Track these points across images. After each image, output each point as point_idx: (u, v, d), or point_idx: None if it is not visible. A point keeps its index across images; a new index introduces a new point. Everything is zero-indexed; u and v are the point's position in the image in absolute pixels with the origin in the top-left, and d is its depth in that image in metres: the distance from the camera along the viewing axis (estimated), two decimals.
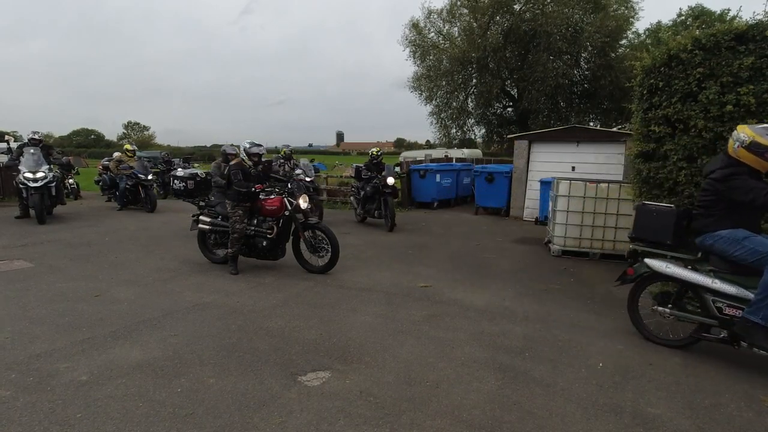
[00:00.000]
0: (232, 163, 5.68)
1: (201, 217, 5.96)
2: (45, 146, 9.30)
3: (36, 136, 9.18)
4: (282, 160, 9.92)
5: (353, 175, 10.54)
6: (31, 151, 8.73)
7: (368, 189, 9.42)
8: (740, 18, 16.69)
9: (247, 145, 5.64)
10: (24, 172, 8.57)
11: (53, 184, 8.80)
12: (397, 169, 13.26)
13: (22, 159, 8.74)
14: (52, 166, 9.12)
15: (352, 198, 10.45)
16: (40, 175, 8.54)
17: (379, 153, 9.99)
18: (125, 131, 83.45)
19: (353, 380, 3.00)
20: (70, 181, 14.06)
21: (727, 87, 4.25)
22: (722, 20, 21.25)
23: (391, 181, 9.22)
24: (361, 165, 10.06)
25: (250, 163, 5.67)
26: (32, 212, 8.89)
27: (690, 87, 4.46)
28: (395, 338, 3.73)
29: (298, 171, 9.74)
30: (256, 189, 5.49)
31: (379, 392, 2.85)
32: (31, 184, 8.47)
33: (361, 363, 3.26)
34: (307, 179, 9.41)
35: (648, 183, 5.12)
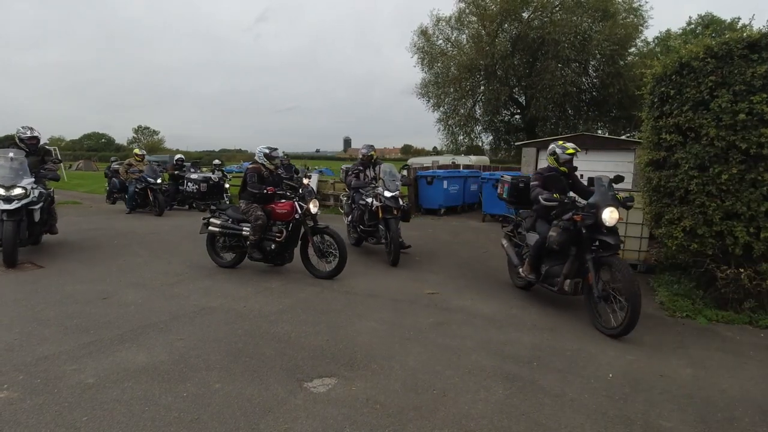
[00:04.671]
0: (250, 167, 5.97)
1: (211, 220, 6.00)
2: (38, 149, 6.67)
3: (27, 134, 6.46)
4: (359, 167, 7.55)
5: (545, 200, 4.72)
6: (10, 155, 5.87)
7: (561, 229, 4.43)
8: (751, 26, 16.58)
9: (267, 150, 5.95)
10: None
11: (38, 206, 5.92)
12: (404, 172, 13.23)
13: None
14: (45, 179, 6.37)
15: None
16: (16, 192, 5.65)
17: (574, 152, 4.91)
18: (135, 135, 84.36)
19: (359, 387, 2.98)
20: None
21: (739, 95, 4.21)
22: (732, 29, 21.13)
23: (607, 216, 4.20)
24: (537, 179, 4.97)
25: (270, 167, 5.97)
26: None
27: (702, 95, 4.43)
28: (402, 345, 3.70)
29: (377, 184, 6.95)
30: (268, 191, 5.63)
31: (385, 400, 2.83)
32: (2, 207, 5.50)
33: (368, 370, 3.24)
34: (387, 194, 6.50)
35: (658, 191, 5.07)
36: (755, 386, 3.22)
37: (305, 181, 10.95)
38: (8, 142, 6.41)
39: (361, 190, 7.23)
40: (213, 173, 13.18)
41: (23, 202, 5.69)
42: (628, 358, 3.62)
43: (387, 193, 6.52)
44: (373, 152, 7.72)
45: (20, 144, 6.38)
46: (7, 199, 5.57)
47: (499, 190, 5.91)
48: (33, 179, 5.92)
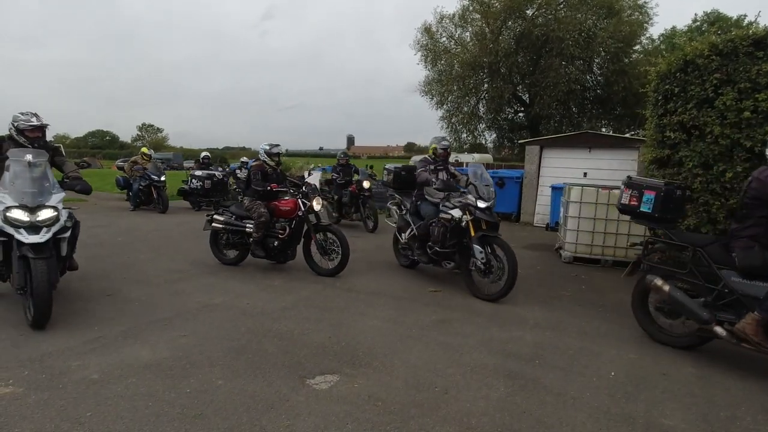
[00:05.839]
0: (254, 164, 6.02)
1: (215, 216, 6.03)
2: (47, 147, 4.25)
3: (33, 122, 4.20)
4: (430, 166, 5.76)
5: None
6: (28, 158, 3.80)
7: None
8: (757, 24, 16.46)
9: (267, 147, 5.97)
10: (5, 206, 3.64)
11: (67, 234, 3.93)
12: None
13: (5, 175, 3.82)
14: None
15: None
16: (45, 215, 3.70)
17: None
18: (139, 133, 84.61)
19: (361, 384, 2.99)
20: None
21: (744, 93, 4.19)
22: (739, 26, 20.98)
23: None
24: None
25: (272, 163, 5.99)
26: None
27: (706, 93, 4.41)
28: (404, 343, 3.71)
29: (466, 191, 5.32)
30: (271, 187, 5.67)
31: (387, 397, 2.84)
32: (27, 239, 3.55)
33: (370, 367, 3.25)
34: (480, 205, 4.98)
35: None
36: (759, 385, 3.21)
37: (366, 184, 9.20)
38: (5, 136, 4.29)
39: (429, 196, 5.70)
40: (241, 170, 13.20)
41: (54, 229, 3.72)
42: (630, 356, 3.61)
43: (481, 203, 4.97)
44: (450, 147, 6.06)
45: (18, 138, 4.17)
46: (33, 227, 3.61)
47: (627, 200, 4.07)
48: (63, 193, 3.99)
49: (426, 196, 5.78)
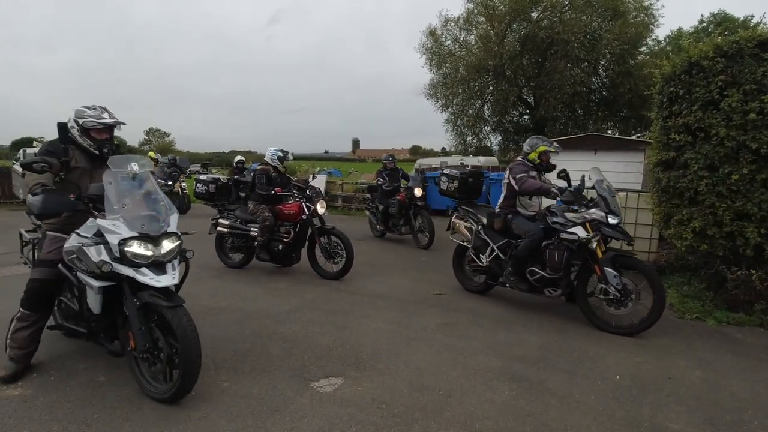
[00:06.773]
0: (258, 168, 6.10)
1: (220, 221, 6.08)
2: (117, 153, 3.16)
3: (104, 119, 3.10)
4: (532, 172, 4.73)
5: None
6: (134, 168, 2.79)
7: None
8: (764, 25, 16.35)
9: (281, 153, 6.07)
10: (121, 238, 2.60)
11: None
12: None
13: (109, 193, 2.71)
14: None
15: None
16: (168, 246, 2.83)
17: None
18: (146, 137, 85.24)
19: (366, 387, 3.00)
20: (183, 184, 11.49)
21: (750, 95, 4.16)
22: (745, 27, 20.83)
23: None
24: None
25: (282, 169, 6.10)
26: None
27: (711, 95, 4.38)
28: (408, 346, 3.71)
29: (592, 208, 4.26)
30: (275, 192, 5.71)
31: (391, 400, 2.84)
32: (159, 281, 2.66)
33: (374, 370, 3.26)
34: (612, 221, 4.14)
35: (667, 192, 5.02)
36: (765, 389, 3.18)
37: (417, 192, 8.03)
38: (51, 142, 3.11)
39: (521, 208, 4.79)
40: None
41: (177, 264, 2.94)
42: (635, 359, 3.59)
43: (612, 219, 4.12)
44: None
45: (82, 140, 3.06)
46: (158, 265, 2.74)
47: None
48: (177, 213, 3.15)
49: (518, 209, 4.82)
